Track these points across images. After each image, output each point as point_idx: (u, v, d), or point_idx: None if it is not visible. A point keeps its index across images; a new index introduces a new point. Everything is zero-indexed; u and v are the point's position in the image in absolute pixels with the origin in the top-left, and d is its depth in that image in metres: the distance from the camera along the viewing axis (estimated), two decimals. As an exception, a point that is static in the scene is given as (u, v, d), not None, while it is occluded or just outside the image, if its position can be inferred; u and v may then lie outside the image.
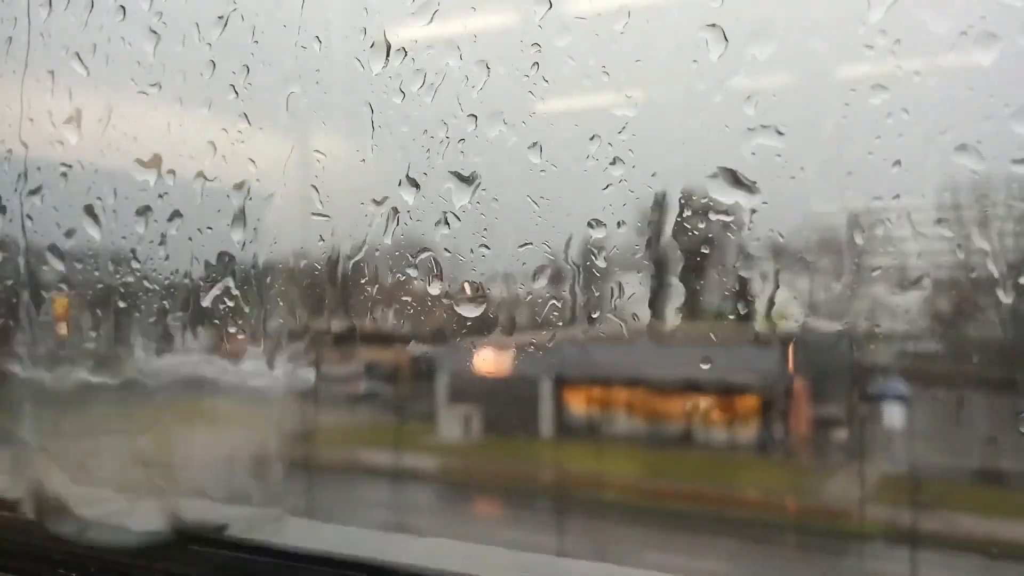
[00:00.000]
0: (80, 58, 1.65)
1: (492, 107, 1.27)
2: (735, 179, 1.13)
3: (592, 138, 1.21)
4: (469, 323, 1.35)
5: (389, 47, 1.32)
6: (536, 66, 1.23)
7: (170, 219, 1.56)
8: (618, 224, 1.23)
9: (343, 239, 1.44)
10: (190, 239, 1.54)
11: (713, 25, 1.11)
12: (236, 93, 1.46)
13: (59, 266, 1.67)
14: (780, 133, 1.10)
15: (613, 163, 1.21)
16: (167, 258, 1.57)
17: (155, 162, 1.56)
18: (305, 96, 1.43)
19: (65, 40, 1.66)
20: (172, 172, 1.56)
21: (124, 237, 1.60)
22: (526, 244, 1.28)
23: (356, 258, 1.42)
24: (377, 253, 1.41)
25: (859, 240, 1.13)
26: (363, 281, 1.43)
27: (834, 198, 1.13)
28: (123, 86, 1.60)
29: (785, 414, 4.58)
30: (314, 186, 1.43)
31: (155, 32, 1.55)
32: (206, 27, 1.49)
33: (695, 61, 1.13)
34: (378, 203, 1.38)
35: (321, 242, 1.44)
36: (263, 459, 1.58)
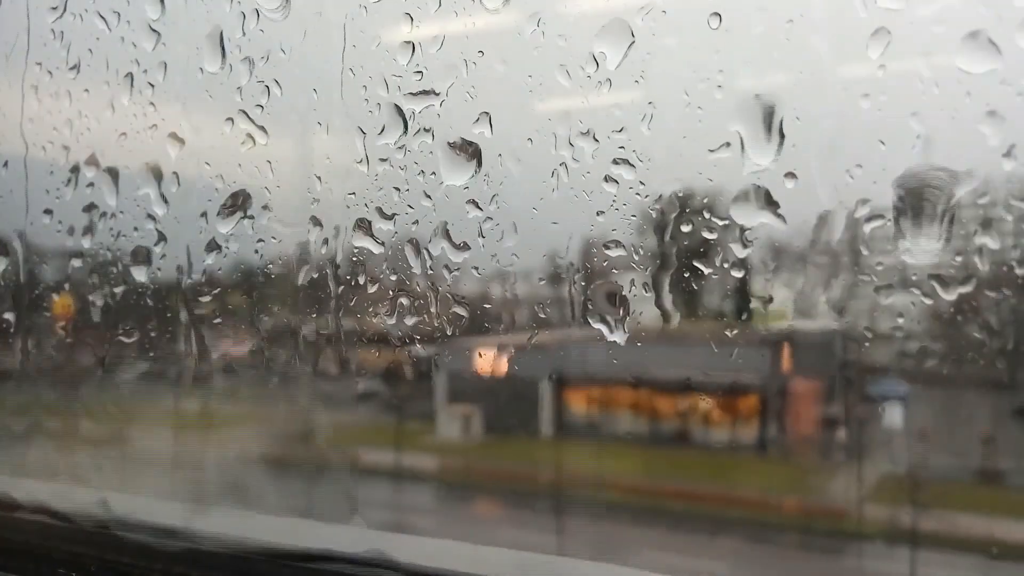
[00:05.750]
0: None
1: (491, 107, 1.28)
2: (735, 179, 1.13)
3: (591, 134, 1.21)
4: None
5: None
6: (535, 65, 1.23)
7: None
8: (613, 227, 1.23)
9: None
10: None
11: (715, 14, 1.11)
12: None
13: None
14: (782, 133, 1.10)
15: (614, 163, 1.21)
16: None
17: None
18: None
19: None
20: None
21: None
22: (525, 243, 1.28)
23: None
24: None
25: (858, 239, 1.13)
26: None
27: (833, 197, 1.13)
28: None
29: (785, 414, 4.58)
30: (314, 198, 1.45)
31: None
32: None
33: (693, 60, 1.13)
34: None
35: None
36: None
